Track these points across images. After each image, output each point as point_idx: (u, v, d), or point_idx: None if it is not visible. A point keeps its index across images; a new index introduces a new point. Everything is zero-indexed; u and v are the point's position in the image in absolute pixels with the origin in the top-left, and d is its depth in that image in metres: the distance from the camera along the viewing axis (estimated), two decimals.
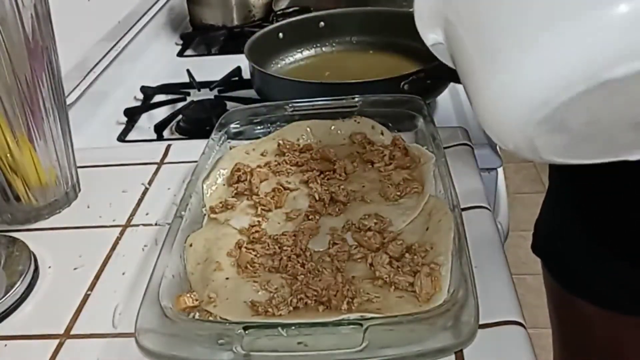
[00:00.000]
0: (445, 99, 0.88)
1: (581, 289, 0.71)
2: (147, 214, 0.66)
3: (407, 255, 0.52)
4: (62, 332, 0.53)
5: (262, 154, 0.68)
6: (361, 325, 0.43)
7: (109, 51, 1.02)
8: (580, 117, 0.33)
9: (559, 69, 0.30)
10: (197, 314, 0.49)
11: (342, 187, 0.60)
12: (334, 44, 0.98)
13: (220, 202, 0.60)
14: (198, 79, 1.01)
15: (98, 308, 0.55)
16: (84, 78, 0.93)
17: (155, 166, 0.74)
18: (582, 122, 0.33)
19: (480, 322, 0.43)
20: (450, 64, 0.41)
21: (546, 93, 0.31)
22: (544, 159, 0.36)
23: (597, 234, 0.67)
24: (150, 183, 0.71)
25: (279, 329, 0.44)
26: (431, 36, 0.41)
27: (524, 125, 0.33)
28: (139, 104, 0.97)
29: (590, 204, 0.68)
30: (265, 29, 0.94)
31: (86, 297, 0.56)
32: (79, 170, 0.70)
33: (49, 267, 0.60)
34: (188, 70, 1.03)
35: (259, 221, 0.58)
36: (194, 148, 0.70)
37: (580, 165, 0.35)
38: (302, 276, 0.50)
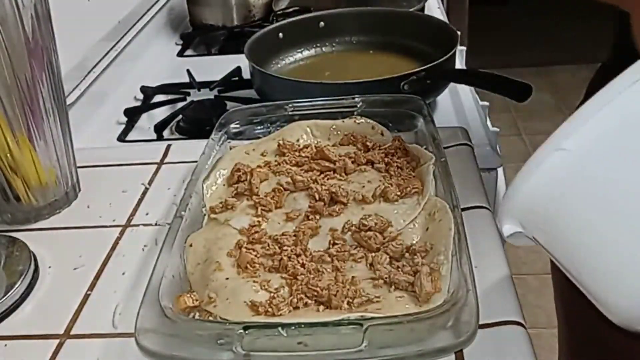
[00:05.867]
0: (445, 99, 0.88)
1: None
2: (147, 214, 0.66)
3: (407, 255, 0.52)
4: (62, 332, 0.53)
5: (262, 154, 0.68)
6: (361, 325, 0.43)
7: (109, 51, 1.02)
8: None
9: None
10: (197, 314, 0.49)
11: (342, 187, 0.60)
12: (334, 44, 0.98)
13: (220, 202, 0.60)
14: (198, 79, 1.01)
15: (98, 308, 0.55)
16: (84, 78, 0.93)
17: (155, 166, 0.74)
18: None
19: (480, 322, 0.43)
20: (527, 244, 0.43)
21: None
22: None
23: None
24: (150, 183, 0.71)
25: (279, 329, 0.44)
26: (507, 227, 0.42)
27: None
28: (139, 104, 0.97)
29: None
30: (265, 29, 0.94)
31: (86, 297, 0.56)
32: (79, 170, 0.70)
33: (49, 267, 0.60)
34: (188, 70, 1.03)
35: (259, 221, 0.57)
36: (194, 148, 0.70)
37: None
38: (302, 276, 0.50)
